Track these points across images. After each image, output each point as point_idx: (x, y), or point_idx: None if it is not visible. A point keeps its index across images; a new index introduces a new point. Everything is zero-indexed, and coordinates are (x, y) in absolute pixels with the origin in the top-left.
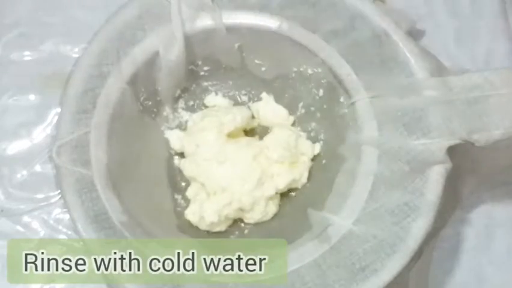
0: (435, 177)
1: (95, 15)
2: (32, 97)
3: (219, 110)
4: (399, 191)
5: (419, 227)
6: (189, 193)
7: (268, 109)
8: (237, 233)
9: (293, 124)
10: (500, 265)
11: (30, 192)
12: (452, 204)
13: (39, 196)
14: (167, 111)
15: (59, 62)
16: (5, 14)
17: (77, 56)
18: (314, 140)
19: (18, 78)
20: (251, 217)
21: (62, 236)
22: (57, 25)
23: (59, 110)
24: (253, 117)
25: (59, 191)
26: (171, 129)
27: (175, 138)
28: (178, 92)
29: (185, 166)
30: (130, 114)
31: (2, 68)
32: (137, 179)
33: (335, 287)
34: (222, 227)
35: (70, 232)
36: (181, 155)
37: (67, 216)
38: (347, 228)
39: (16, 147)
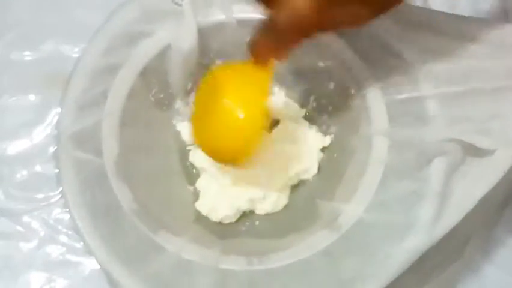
0: (442, 167)
1: (95, 15)
2: (32, 97)
3: None
4: (408, 180)
5: (427, 213)
6: (199, 184)
7: (280, 103)
8: (247, 223)
9: (305, 117)
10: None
11: (30, 192)
12: None
13: (39, 196)
14: (179, 104)
15: (59, 62)
16: (5, 14)
17: (77, 56)
18: (326, 133)
19: (18, 78)
20: (262, 208)
21: (62, 236)
22: (57, 25)
23: (59, 109)
24: None
25: (62, 185)
26: (183, 121)
27: (186, 131)
28: (190, 85)
29: (196, 158)
30: (142, 106)
31: (2, 68)
32: (149, 169)
33: (346, 273)
34: (232, 219)
35: (70, 232)
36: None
37: (67, 216)
38: (358, 217)
39: (16, 147)
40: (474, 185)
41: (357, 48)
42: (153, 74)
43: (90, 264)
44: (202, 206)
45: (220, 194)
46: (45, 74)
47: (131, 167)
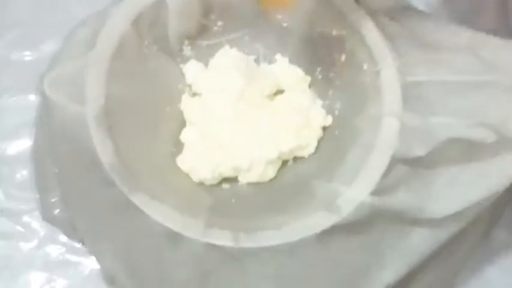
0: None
1: None
2: (32, 97)
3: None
4: (415, 166)
5: (447, 199)
6: (184, 137)
7: (283, 71)
8: (233, 191)
9: (310, 87)
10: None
11: (30, 192)
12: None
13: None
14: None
15: None
16: (5, 14)
17: None
18: (329, 109)
19: (18, 78)
20: (246, 177)
21: (62, 236)
22: (57, 25)
23: None
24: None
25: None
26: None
27: (193, 71)
28: (186, 43)
29: (191, 106)
30: (133, 57)
31: (2, 68)
32: (135, 123)
33: (344, 263)
34: (214, 182)
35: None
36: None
37: (67, 216)
38: (361, 200)
39: (16, 147)
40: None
41: (378, 22)
42: (146, 24)
43: (90, 264)
44: (184, 162)
45: (203, 154)
46: None
47: (115, 120)
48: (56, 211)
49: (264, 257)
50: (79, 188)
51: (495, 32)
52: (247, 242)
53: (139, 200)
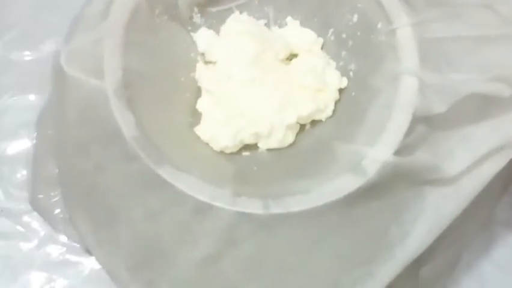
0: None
1: None
2: (32, 97)
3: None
4: (437, 125)
5: (460, 156)
6: (200, 106)
7: (295, 34)
8: (254, 158)
9: (322, 49)
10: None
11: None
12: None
13: (40, 196)
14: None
15: None
16: (5, 14)
17: None
18: (344, 71)
19: (18, 78)
20: (266, 143)
21: (62, 236)
22: (58, 25)
23: None
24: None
25: (54, 109)
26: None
27: (204, 39)
28: (196, 11)
29: (205, 74)
30: (146, 27)
31: (2, 68)
32: (153, 94)
33: (373, 224)
34: (234, 149)
35: None
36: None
37: (67, 216)
38: (385, 160)
39: (16, 147)
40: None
41: None
42: None
43: (90, 264)
44: (203, 131)
45: (222, 122)
46: (45, 74)
47: (133, 92)
48: (57, 211)
49: (291, 223)
50: (96, 168)
51: None
52: (277, 208)
53: (166, 172)
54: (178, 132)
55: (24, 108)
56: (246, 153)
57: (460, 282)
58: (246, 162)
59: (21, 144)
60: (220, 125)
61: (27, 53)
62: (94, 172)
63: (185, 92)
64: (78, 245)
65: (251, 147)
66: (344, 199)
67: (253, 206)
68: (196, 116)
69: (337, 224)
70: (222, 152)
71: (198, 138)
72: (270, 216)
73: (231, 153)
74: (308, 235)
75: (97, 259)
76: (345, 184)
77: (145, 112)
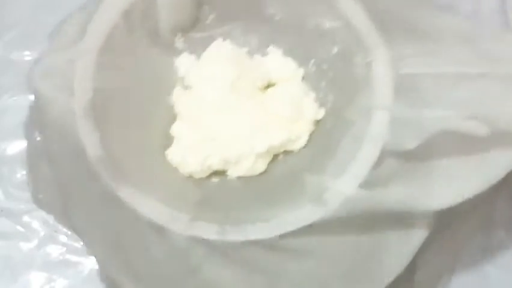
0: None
1: None
2: (32, 97)
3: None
4: (405, 158)
5: (432, 195)
6: (173, 130)
7: (277, 63)
8: (221, 184)
9: (303, 79)
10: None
11: (30, 192)
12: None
13: (39, 196)
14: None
15: None
16: (5, 14)
17: None
18: (322, 102)
19: (18, 78)
20: (235, 170)
21: (62, 236)
22: (58, 25)
23: None
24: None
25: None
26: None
27: (185, 64)
28: (179, 36)
29: (181, 99)
30: (124, 49)
31: (2, 68)
32: (124, 115)
33: (333, 251)
34: (203, 175)
35: (70, 232)
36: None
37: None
38: (350, 193)
39: (16, 147)
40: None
41: (371, 11)
42: (137, 16)
43: (90, 264)
44: (173, 155)
45: (193, 146)
46: None
47: (104, 112)
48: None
49: (250, 250)
50: (69, 181)
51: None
52: (233, 235)
53: (124, 192)
54: (150, 155)
55: (24, 108)
56: (215, 179)
57: (460, 283)
58: (213, 188)
59: (21, 144)
60: (189, 150)
61: (27, 53)
62: (68, 184)
63: (161, 115)
64: (78, 245)
65: (221, 173)
66: (308, 229)
67: (208, 231)
68: (170, 140)
69: (297, 254)
70: (190, 177)
71: (168, 162)
72: (226, 243)
73: (200, 179)
74: (270, 265)
75: None
76: (305, 215)
77: (116, 133)
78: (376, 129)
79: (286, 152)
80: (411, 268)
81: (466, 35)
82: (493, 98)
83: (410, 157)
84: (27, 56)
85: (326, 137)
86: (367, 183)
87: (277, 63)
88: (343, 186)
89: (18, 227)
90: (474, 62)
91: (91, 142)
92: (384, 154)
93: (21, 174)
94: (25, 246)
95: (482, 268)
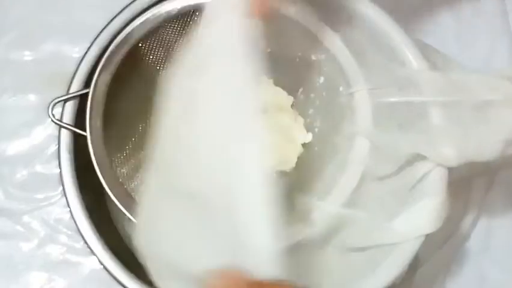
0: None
1: (95, 15)
2: (32, 97)
3: None
4: (386, 185)
5: (405, 218)
6: None
7: (268, 91)
8: None
9: (292, 106)
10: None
11: (30, 192)
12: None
13: (39, 196)
14: None
15: (59, 61)
16: (5, 14)
17: (77, 55)
18: (310, 127)
19: (18, 78)
20: None
21: (62, 236)
22: (58, 25)
23: (59, 109)
24: None
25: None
26: None
27: None
28: None
29: None
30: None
31: (2, 68)
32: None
33: (320, 269)
34: None
35: (70, 232)
36: None
37: (67, 216)
38: (334, 213)
39: (16, 147)
40: None
41: (352, 45)
42: None
43: (90, 264)
44: None
45: None
46: (45, 74)
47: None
48: None
49: None
50: None
51: None
52: None
53: None
54: None
55: (24, 108)
56: None
57: (460, 281)
58: None
59: (21, 144)
60: None
61: (27, 53)
62: None
63: None
64: (78, 245)
65: None
66: (297, 246)
67: None
68: None
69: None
70: None
71: None
72: None
73: None
74: None
75: None
76: (295, 233)
77: None
78: (357, 155)
79: (277, 172)
80: (411, 268)
81: (439, 65)
82: (462, 126)
83: (390, 180)
84: (27, 56)
85: (314, 160)
86: (349, 204)
87: (269, 92)
88: (327, 207)
89: (18, 227)
90: (446, 90)
91: None
92: (365, 177)
93: (21, 174)
94: (25, 246)
95: (482, 269)
